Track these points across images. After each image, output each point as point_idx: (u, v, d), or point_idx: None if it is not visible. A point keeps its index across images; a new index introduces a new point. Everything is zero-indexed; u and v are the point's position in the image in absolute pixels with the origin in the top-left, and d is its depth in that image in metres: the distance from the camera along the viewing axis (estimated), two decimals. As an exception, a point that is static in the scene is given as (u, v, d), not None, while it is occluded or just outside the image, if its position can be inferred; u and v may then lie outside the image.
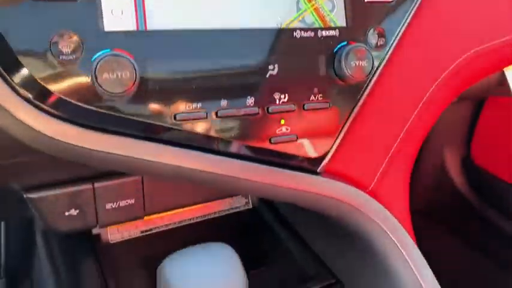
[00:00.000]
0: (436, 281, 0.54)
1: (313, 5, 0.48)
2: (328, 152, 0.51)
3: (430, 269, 0.54)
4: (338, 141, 0.51)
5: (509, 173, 1.40)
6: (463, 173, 1.50)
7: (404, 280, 0.53)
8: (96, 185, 0.59)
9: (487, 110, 1.43)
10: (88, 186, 0.58)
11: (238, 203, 0.76)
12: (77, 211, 0.60)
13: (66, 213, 0.59)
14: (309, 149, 0.50)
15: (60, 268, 0.63)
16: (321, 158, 0.51)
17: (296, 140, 0.49)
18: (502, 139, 1.42)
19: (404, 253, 0.53)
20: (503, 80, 0.92)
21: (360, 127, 0.52)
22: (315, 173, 0.51)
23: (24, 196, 0.56)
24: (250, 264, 0.66)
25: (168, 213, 0.71)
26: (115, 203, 0.61)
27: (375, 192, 0.54)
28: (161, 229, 0.70)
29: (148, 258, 0.65)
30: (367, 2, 0.50)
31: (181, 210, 0.71)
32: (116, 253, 0.65)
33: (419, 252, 0.55)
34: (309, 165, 0.51)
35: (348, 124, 0.51)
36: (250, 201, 0.77)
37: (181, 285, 0.38)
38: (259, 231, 0.73)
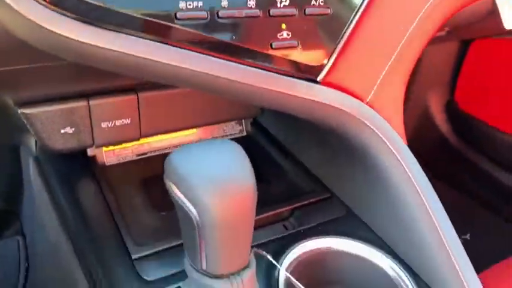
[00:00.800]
0: (435, 194, 0.55)
1: None
2: (328, 60, 0.51)
3: (429, 183, 0.55)
4: (338, 49, 0.51)
5: (492, 116, 1.43)
6: (446, 116, 1.53)
7: (405, 192, 0.54)
8: (92, 102, 0.58)
9: (472, 53, 1.45)
10: (83, 103, 0.57)
11: (233, 130, 0.76)
12: (73, 129, 0.59)
13: (62, 131, 0.58)
14: (309, 56, 0.50)
15: (56, 189, 0.63)
16: (320, 67, 0.51)
17: (297, 47, 0.49)
18: (486, 83, 1.44)
19: (404, 165, 0.54)
20: (494, 9, 0.92)
21: (360, 35, 0.51)
22: (314, 81, 0.51)
23: (19, 111, 0.55)
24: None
25: (163, 137, 0.70)
26: (111, 122, 0.60)
27: (372, 104, 0.55)
28: (157, 153, 0.70)
29: (145, 179, 0.66)
30: None
31: (176, 135, 0.71)
32: (113, 174, 0.65)
33: (419, 166, 0.56)
34: (309, 74, 0.51)
35: (348, 32, 0.50)
36: (244, 128, 0.77)
37: (189, 172, 0.38)
38: (254, 156, 0.73)
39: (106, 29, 0.40)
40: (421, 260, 0.53)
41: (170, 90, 0.63)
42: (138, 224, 0.57)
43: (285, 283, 0.51)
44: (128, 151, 0.68)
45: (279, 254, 0.53)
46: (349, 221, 0.61)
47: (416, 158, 0.60)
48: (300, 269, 0.53)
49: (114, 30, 0.40)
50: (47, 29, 0.38)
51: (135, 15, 0.40)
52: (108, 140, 0.62)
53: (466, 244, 1.47)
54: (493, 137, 1.41)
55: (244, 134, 0.77)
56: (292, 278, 0.50)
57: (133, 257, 0.51)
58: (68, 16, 0.39)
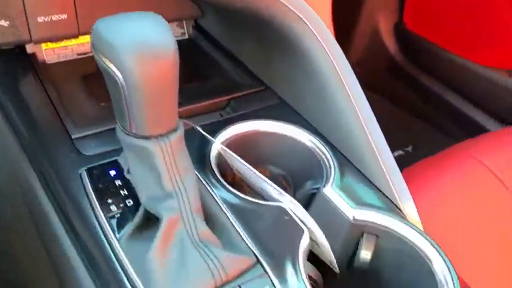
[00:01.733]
0: (357, 82, 0.59)
1: None
2: None
3: (352, 72, 0.59)
4: None
5: (437, 36, 1.48)
6: (395, 37, 1.58)
7: (330, 79, 0.58)
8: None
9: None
10: (15, -6, 0.58)
11: (175, 33, 0.78)
12: (7, 22, 0.59)
13: (-4, 24, 0.59)
14: None
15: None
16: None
17: None
18: (434, 4, 1.49)
19: (331, 57, 0.57)
20: None
21: None
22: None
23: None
24: (184, 81, 0.70)
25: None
26: (47, 17, 0.61)
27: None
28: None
29: (86, 75, 0.67)
30: None
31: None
32: (54, 72, 0.67)
33: (345, 58, 0.60)
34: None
35: None
36: (186, 31, 0.79)
37: (113, 38, 0.40)
38: (195, 57, 0.76)
39: None
40: (341, 138, 0.59)
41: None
42: (79, 112, 0.60)
43: (217, 156, 0.55)
44: (68, 50, 0.69)
45: (211, 135, 0.57)
46: (281, 109, 0.66)
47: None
48: (231, 149, 0.57)
49: None
50: None
51: None
52: (45, 36, 0.63)
53: (407, 155, 1.57)
54: (438, 56, 1.47)
55: (186, 37, 0.79)
56: (225, 148, 0.54)
57: (72, 136, 0.54)
58: None
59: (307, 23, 0.57)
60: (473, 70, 1.39)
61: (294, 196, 0.61)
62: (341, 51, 0.60)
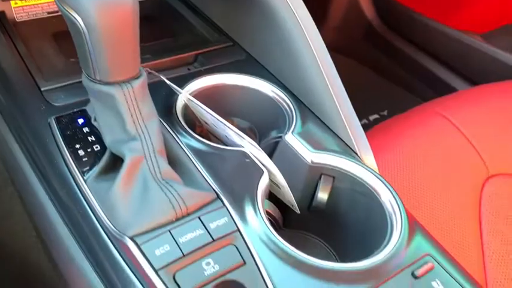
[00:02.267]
0: (320, 38, 0.61)
1: None
2: None
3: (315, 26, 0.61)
4: None
5: (415, 2, 1.50)
6: (372, 2, 1.59)
7: (295, 36, 0.60)
8: None
9: None
10: None
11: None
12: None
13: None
14: None
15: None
16: None
17: None
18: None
19: (296, 14, 0.59)
20: None
21: None
22: None
23: None
24: (153, 37, 0.71)
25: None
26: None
27: None
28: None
29: (56, 33, 0.68)
30: None
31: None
32: (24, 29, 0.68)
33: (309, 15, 0.61)
34: None
35: None
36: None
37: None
38: (165, 15, 0.77)
39: None
40: (304, 90, 0.62)
41: None
42: (48, 66, 0.61)
43: (183, 107, 0.58)
44: (38, 8, 0.70)
45: (179, 87, 0.59)
46: (247, 63, 0.68)
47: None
48: (198, 100, 0.60)
49: None
50: None
51: None
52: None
53: (383, 119, 1.60)
54: (413, 20, 1.49)
55: (157, -4, 0.80)
56: (191, 97, 0.56)
57: (42, 89, 0.56)
58: None
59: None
60: (446, 33, 1.41)
61: (259, 145, 0.64)
62: (305, 8, 0.61)
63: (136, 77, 0.48)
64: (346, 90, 0.61)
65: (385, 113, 1.50)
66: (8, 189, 0.61)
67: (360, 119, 0.61)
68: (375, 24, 1.60)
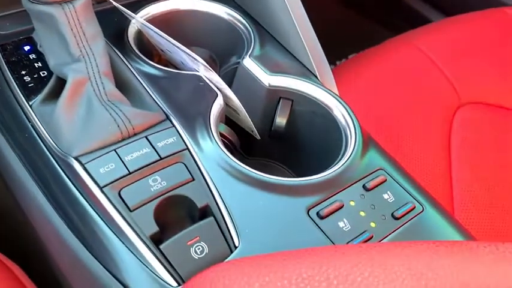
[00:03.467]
0: None
1: None
2: None
3: None
4: None
5: None
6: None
7: None
8: None
9: None
10: None
11: None
12: None
13: None
14: None
15: None
16: None
17: None
18: None
19: None
20: None
21: None
22: None
23: None
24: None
25: None
26: None
27: None
28: None
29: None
30: None
31: None
32: None
33: None
34: None
35: None
36: None
37: None
38: None
39: None
40: (263, 11, 0.59)
41: None
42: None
43: (136, 33, 0.56)
44: None
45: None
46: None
47: None
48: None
49: None
50: None
51: None
52: None
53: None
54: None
55: None
56: (145, 22, 0.54)
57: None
58: None
59: None
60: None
61: (219, 73, 0.62)
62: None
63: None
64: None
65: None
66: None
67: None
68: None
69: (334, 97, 0.52)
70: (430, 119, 0.83)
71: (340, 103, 0.51)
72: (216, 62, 0.63)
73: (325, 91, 0.52)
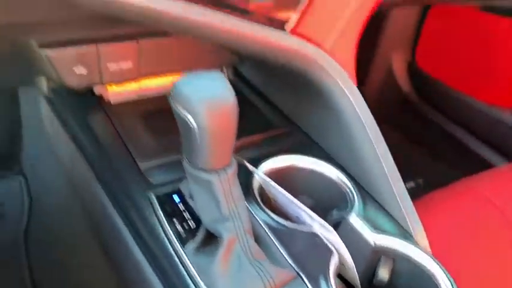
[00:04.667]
0: (376, 125, 0.70)
1: None
2: (293, 15, 0.64)
3: (373, 119, 0.70)
4: (301, 7, 0.64)
5: (447, 76, 1.60)
6: (408, 76, 1.69)
7: (352, 123, 0.69)
8: (99, 46, 0.70)
9: (432, 18, 1.60)
10: (94, 47, 0.70)
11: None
12: (85, 70, 0.71)
13: (76, 70, 0.70)
14: (279, 12, 0.63)
15: (69, 121, 0.76)
16: (287, 21, 0.64)
17: (271, 5, 0.62)
18: (443, 46, 1.60)
19: (352, 101, 0.68)
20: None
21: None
22: (283, 31, 0.65)
23: (44, 53, 0.67)
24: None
25: (158, 81, 0.83)
26: (116, 64, 0.73)
27: (330, 50, 0.69)
28: (153, 95, 0.83)
29: (147, 112, 0.79)
30: None
31: (167, 79, 0.84)
32: (118, 109, 0.78)
33: (364, 102, 0.70)
34: (279, 25, 0.64)
35: (310, -8, 0.64)
36: (226, 75, 0.91)
37: (189, 93, 0.51)
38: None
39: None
40: (362, 172, 0.69)
41: (165, 38, 0.76)
42: (143, 145, 0.71)
43: (259, 187, 0.66)
44: (130, 92, 0.81)
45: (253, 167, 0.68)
46: (309, 145, 0.77)
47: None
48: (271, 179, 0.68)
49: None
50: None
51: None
52: (113, 79, 0.75)
53: (419, 187, 1.65)
54: (446, 93, 1.58)
55: (226, 80, 0.91)
56: (266, 178, 0.64)
57: (141, 168, 0.65)
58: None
59: (334, 77, 0.68)
60: (478, 108, 1.49)
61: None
62: (362, 98, 0.70)
63: (230, 165, 0.56)
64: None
65: (421, 181, 1.56)
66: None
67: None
68: (410, 95, 1.69)
69: (433, 260, 0.59)
70: (495, 266, 0.87)
71: (440, 268, 0.58)
72: (318, 213, 0.72)
73: (425, 253, 0.60)
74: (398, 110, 1.72)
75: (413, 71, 1.68)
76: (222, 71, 0.91)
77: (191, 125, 0.52)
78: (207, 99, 0.51)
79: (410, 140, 1.71)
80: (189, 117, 0.51)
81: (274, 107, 0.85)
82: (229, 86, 0.54)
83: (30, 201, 1.12)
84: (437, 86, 1.63)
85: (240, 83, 0.92)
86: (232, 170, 0.56)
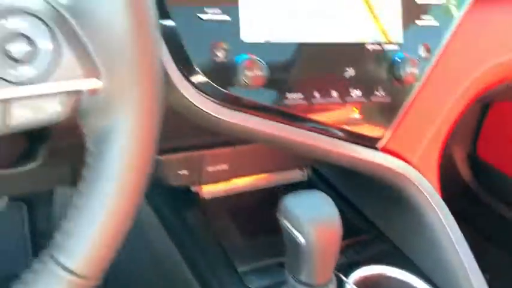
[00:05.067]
0: (461, 234, 0.72)
1: (381, 25, 0.67)
2: (386, 133, 0.70)
3: (457, 227, 0.73)
4: (393, 126, 0.70)
5: (510, 168, 1.59)
6: (469, 167, 1.70)
7: (439, 233, 0.72)
8: (203, 151, 0.78)
9: (492, 112, 1.63)
10: (199, 152, 0.78)
11: (296, 175, 0.95)
12: (187, 171, 0.79)
13: (180, 172, 0.78)
14: (372, 130, 0.69)
15: (166, 215, 0.82)
16: (380, 138, 0.70)
17: (363, 124, 0.68)
18: (505, 138, 1.62)
19: (439, 213, 0.72)
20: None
21: (410, 114, 0.71)
22: (375, 148, 0.70)
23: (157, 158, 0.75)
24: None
25: (245, 180, 0.90)
26: (214, 167, 0.80)
27: (417, 166, 0.73)
28: (240, 191, 0.90)
29: (240, 212, 0.85)
30: (420, 25, 0.69)
31: (255, 177, 0.90)
32: (213, 206, 0.85)
33: (450, 213, 0.73)
34: (371, 143, 0.70)
35: (400, 113, 0.70)
36: (305, 174, 0.96)
37: (298, 212, 0.56)
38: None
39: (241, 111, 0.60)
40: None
41: (256, 144, 0.83)
42: (240, 245, 0.76)
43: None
44: (221, 189, 0.88)
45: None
46: (395, 254, 0.79)
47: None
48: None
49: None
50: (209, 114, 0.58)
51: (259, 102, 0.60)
52: (210, 180, 0.82)
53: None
54: (509, 185, 1.57)
55: (306, 179, 0.96)
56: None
57: (238, 270, 0.70)
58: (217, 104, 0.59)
59: (424, 192, 0.72)
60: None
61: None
62: (448, 211, 0.73)
63: (331, 280, 0.60)
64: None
65: (487, 277, 1.51)
66: None
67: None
68: (472, 186, 1.68)
69: None
70: None
71: None
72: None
73: None
74: (461, 201, 1.71)
75: (474, 162, 1.69)
76: (302, 170, 0.97)
77: (298, 241, 0.56)
78: (314, 218, 0.56)
79: (475, 231, 1.68)
80: (297, 233, 0.56)
81: (355, 209, 0.89)
82: (334, 206, 0.59)
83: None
84: (500, 177, 1.62)
85: (318, 181, 0.97)
86: (334, 286, 0.59)
